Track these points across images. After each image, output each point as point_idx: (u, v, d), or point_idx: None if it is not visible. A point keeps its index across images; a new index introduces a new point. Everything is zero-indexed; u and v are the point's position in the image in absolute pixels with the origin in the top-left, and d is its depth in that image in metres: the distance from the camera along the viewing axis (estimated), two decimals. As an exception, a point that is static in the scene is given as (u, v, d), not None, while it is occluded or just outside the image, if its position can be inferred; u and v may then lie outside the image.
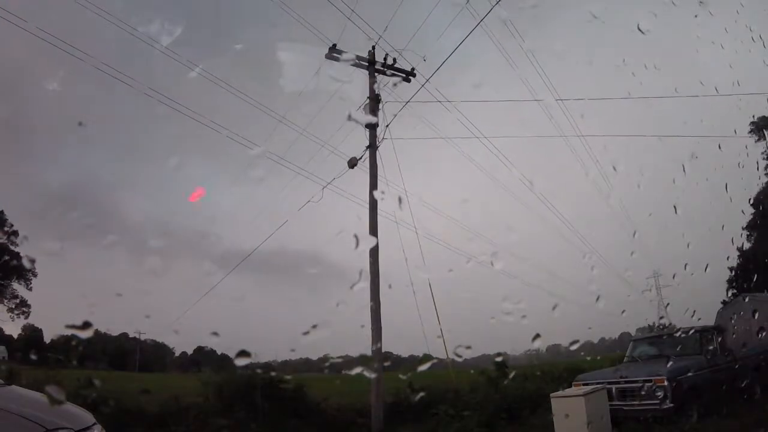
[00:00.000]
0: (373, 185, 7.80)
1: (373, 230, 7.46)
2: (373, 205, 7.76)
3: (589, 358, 6.51)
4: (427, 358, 5.41)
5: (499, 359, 6.26)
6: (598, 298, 3.77)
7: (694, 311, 4.20)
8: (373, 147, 7.95)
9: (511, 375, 6.32)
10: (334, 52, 7.70)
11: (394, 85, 8.07)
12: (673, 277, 3.86)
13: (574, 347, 3.88)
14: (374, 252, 6.33)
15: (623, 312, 3.93)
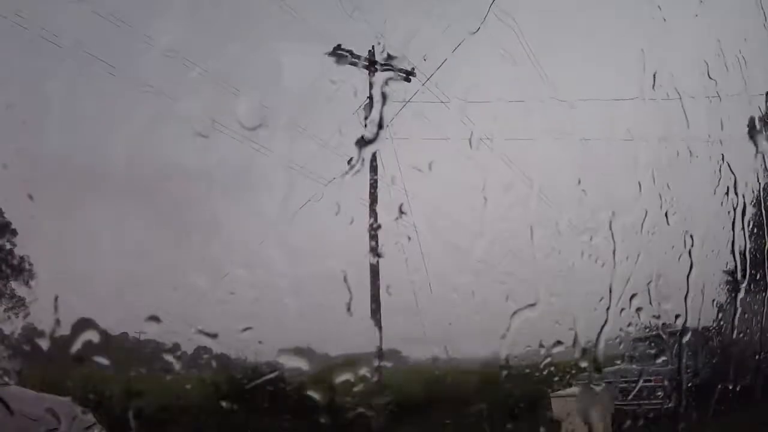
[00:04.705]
0: (373, 185, 7.83)
1: (373, 231, 7.46)
2: (373, 204, 7.78)
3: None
4: (427, 356, 5.43)
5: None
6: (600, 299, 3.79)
7: (695, 310, 4.19)
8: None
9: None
10: (337, 50, 7.74)
11: (394, 75, 8.09)
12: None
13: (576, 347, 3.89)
14: (374, 252, 6.33)
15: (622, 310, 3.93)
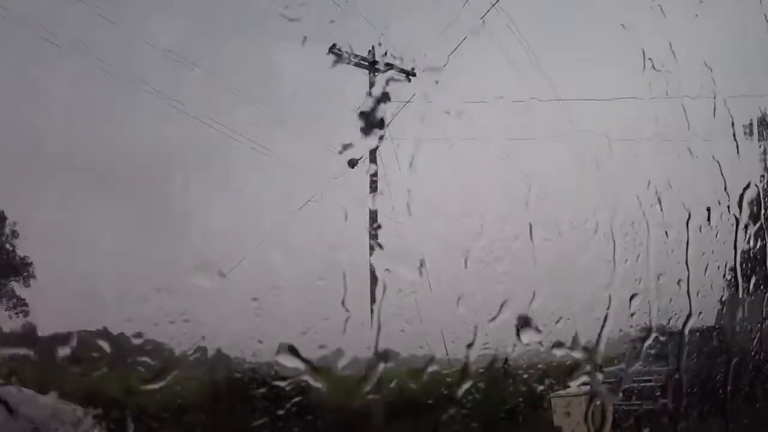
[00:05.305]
0: (373, 185, 7.82)
1: (373, 231, 7.44)
2: (373, 204, 7.75)
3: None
4: (427, 357, 5.41)
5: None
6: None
7: (698, 310, 4.20)
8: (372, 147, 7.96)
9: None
10: (334, 51, 7.73)
11: (394, 77, 8.07)
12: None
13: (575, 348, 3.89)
14: (374, 253, 6.31)
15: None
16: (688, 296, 3.93)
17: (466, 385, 4.15)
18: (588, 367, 4.38)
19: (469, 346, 3.50)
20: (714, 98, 4.62)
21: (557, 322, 4.14)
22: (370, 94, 8.05)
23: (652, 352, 6.26)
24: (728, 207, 4.32)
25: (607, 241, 4.03)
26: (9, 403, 2.61)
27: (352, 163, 8.11)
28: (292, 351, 3.56)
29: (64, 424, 2.61)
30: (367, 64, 8.56)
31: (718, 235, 4.39)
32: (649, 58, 4.79)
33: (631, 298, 3.95)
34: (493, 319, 3.86)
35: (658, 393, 6.06)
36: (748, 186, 4.36)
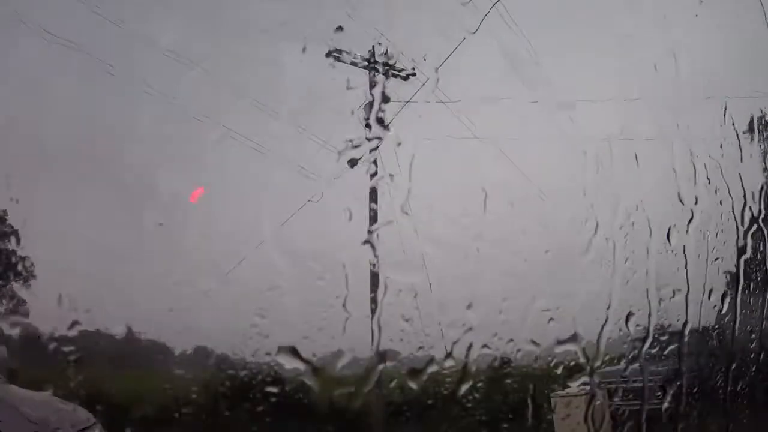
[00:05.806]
0: (373, 184, 7.81)
1: (372, 232, 7.44)
2: (373, 205, 7.76)
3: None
4: (427, 356, 5.41)
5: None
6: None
7: (698, 311, 4.20)
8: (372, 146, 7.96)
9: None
10: (334, 52, 7.73)
11: (394, 76, 8.10)
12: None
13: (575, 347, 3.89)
14: (374, 253, 6.31)
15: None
16: (687, 296, 3.93)
17: (466, 385, 4.16)
18: (588, 368, 4.39)
19: (469, 347, 3.50)
20: (714, 98, 4.63)
21: (557, 321, 4.14)
22: (370, 94, 8.05)
23: (653, 352, 6.26)
24: (732, 207, 4.32)
25: (607, 241, 4.03)
26: (9, 402, 2.61)
27: (352, 163, 8.11)
28: (292, 351, 3.56)
29: (64, 423, 2.61)
30: (366, 63, 8.59)
31: (718, 235, 4.39)
32: (649, 58, 4.80)
33: (632, 298, 3.96)
34: (494, 318, 3.86)
35: (659, 393, 6.05)
36: (747, 185, 4.37)
